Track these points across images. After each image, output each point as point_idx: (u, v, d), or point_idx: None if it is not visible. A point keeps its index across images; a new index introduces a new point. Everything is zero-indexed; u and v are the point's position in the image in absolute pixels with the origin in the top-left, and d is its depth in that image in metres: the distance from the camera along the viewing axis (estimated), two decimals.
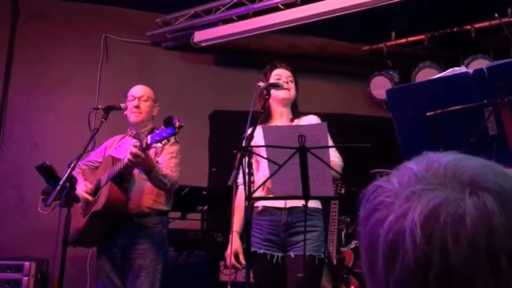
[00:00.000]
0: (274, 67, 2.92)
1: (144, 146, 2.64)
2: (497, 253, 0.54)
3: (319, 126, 2.43)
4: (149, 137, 2.61)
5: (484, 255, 0.53)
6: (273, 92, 2.76)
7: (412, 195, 0.57)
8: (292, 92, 2.87)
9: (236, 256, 2.62)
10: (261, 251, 2.63)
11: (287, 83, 2.83)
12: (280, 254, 2.63)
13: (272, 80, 2.83)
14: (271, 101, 2.82)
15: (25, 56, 5.01)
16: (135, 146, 2.65)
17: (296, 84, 2.92)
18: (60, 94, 5.01)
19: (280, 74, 2.87)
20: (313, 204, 2.65)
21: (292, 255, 2.60)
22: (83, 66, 5.10)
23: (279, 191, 2.45)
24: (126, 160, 2.71)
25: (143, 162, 2.73)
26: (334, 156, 2.63)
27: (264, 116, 2.78)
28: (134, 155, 2.65)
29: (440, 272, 0.54)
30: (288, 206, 2.63)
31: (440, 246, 0.54)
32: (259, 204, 2.72)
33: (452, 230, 0.54)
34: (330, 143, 2.63)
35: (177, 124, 2.54)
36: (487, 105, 1.78)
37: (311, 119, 2.85)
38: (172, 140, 2.72)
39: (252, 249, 2.59)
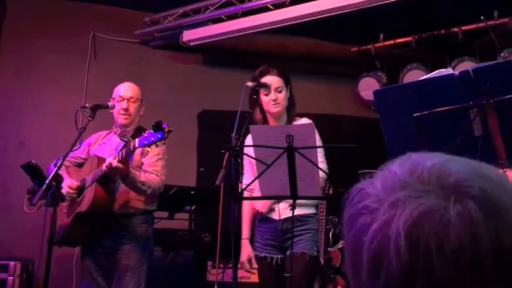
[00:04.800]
0: (266, 73, 2.83)
1: (131, 149, 2.64)
2: (481, 264, 0.53)
3: (307, 126, 2.44)
4: (137, 140, 2.60)
5: (468, 266, 0.53)
6: (265, 104, 2.79)
7: (397, 202, 0.56)
8: (282, 103, 2.82)
9: (249, 261, 2.85)
10: (262, 255, 2.83)
11: (275, 99, 2.78)
12: (279, 256, 2.81)
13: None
14: (265, 108, 2.83)
15: (12, 54, 4.95)
16: (114, 158, 2.67)
17: (289, 85, 2.87)
18: (47, 93, 4.96)
19: (270, 85, 2.79)
20: (306, 211, 2.78)
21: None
22: (70, 64, 5.06)
23: (267, 191, 2.46)
24: (103, 168, 2.72)
25: (119, 171, 2.74)
26: (320, 162, 2.59)
27: (260, 121, 2.84)
28: (110, 168, 2.67)
29: (425, 283, 0.53)
30: (282, 217, 2.78)
31: (425, 258, 0.53)
32: None
33: (437, 241, 0.53)
34: (319, 143, 2.65)
35: (166, 129, 2.53)
36: (473, 106, 1.80)
37: (303, 122, 2.83)
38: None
39: (255, 253, 2.86)
